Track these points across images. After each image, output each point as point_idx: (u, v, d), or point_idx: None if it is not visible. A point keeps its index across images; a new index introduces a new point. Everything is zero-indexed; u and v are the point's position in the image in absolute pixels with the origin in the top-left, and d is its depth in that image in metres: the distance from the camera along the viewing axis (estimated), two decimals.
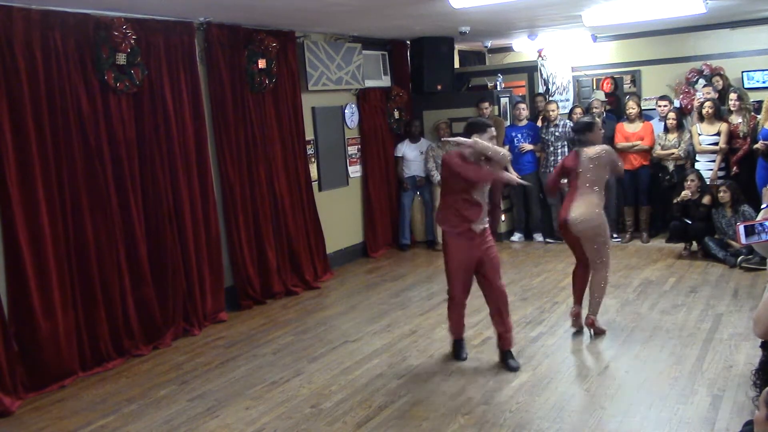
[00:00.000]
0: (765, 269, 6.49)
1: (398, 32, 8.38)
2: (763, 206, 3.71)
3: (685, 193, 7.34)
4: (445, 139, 5.58)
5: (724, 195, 7.17)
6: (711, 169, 7.70)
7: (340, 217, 8.20)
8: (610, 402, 4.15)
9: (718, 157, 7.70)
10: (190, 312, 6.02)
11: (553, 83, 10.01)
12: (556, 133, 8.42)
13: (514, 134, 8.69)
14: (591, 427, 3.84)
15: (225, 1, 5.40)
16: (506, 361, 4.79)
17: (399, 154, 8.90)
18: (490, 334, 5.47)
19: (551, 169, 8.43)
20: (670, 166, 8.04)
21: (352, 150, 8.43)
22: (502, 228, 8.94)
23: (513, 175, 8.04)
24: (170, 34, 5.85)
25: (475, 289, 6.81)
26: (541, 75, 9.68)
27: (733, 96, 7.83)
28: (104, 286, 5.34)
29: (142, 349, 5.54)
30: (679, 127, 8.15)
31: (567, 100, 10.20)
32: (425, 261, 8.30)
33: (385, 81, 8.88)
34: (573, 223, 5.10)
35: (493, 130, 4.77)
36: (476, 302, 6.34)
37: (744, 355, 4.66)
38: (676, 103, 9.14)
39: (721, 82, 8.88)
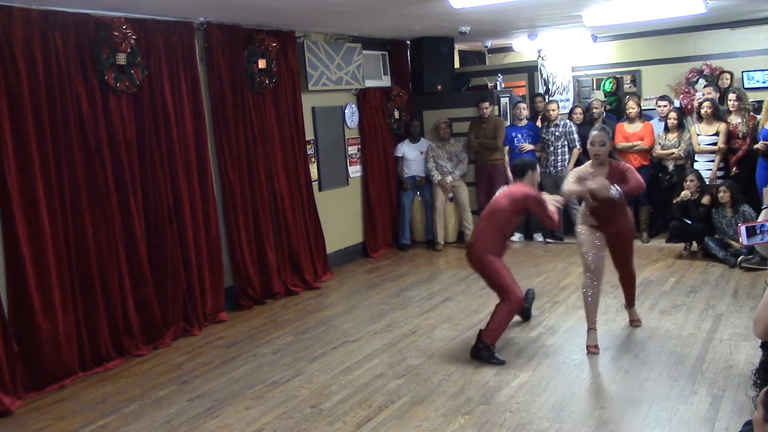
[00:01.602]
0: (765, 269, 6.50)
1: (398, 32, 8.38)
2: (764, 206, 3.72)
3: (685, 193, 7.34)
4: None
5: (724, 195, 7.17)
6: (710, 169, 7.70)
7: (340, 217, 8.20)
8: (610, 402, 4.15)
9: (717, 157, 7.70)
10: (190, 312, 6.02)
11: (553, 83, 10.01)
12: (556, 133, 8.42)
13: (514, 134, 8.69)
14: (591, 427, 3.84)
15: (225, 1, 5.40)
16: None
17: (399, 154, 8.90)
18: None
19: (551, 169, 8.44)
20: (670, 166, 8.05)
21: (352, 150, 8.43)
22: None
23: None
24: (170, 34, 5.85)
25: (476, 288, 6.83)
26: (541, 75, 9.68)
27: (732, 96, 7.83)
28: (104, 286, 5.34)
29: (142, 349, 5.54)
30: (680, 126, 8.15)
31: (567, 100, 10.21)
32: (425, 261, 8.30)
33: (385, 81, 8.88)
34: None
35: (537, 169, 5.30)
36: (475, 303, 6.37)
37: (744, 355, 4.66)
38: (676, 103, 9.14)
39: (729, 79, 8.88)
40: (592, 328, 5.00)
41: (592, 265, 4.97)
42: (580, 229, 5.11)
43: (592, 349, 4.94)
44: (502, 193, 5.16)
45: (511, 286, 4.93)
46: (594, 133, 4.95)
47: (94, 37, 5.22)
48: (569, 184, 4.97)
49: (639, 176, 4.95)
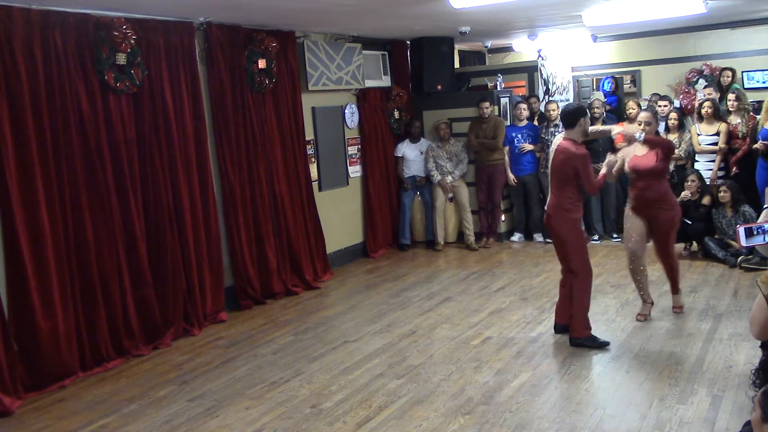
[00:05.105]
0: (765, 269, 6.50)
1: (398, 32, 8.38)
2: (765, 206, 3.72)
3: (685, 194, 7.33)
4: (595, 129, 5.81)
5: (724, 195, 7.17)
6: (710, 169, 7.70)
7: (340, 217, 8.20)
8: (610, 402, 4.15)
9: (718, 157, 7.70)
10: (190, 312, 6.02)
11: (553, 83, 10.01)
12: (556, 133, 8.40)
13: (514, 134, 8.69)
14: (591, 427, 3.84)
15: (225, 1, 5.40)
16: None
17: (399, 154, 8.90)
18: (489, 334, 5.48)
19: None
20: (671, 167, 8.03)
21: (352, 150, 8.43)
22: (502, 228, 8.95)
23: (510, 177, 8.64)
24: (170, 34, 5.85)
25: (476, 288, 6.82)
26: (541, 75, 9.68)
27: (731, 96, 7.83)
28: (104, 286, 5.34)
29: (142, 349, 5.54)
30: (681, 127, 8.15)
31: (567, 100, 10.20)
32: (425, 261, 8.30)
33: (385, 81, 8.87)
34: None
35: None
36: (475, 303, 6.37)
37: (744, 355, 4.66)
38: (676, 103, 9.14)
39: (730, 77, 8.88)
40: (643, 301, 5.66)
41: (629, 249, 5.57)
42: (626, 212, 5.66)
43: (639, 317, 5.60)
44: (555, 150, 5.15)
45: (584, 260, 5.10)
46: (641, 114, 5.62)
47: (94, 37, 5.22)
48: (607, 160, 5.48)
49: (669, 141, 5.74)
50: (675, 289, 5.74)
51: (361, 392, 4.51)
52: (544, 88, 9.72)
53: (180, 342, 5.79)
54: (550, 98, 9.53)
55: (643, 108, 8.65)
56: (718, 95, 8.57)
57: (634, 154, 5.46)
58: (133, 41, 5.39)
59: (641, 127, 5.42)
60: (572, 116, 5.09)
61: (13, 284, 4.80)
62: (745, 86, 9.22)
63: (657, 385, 4.32)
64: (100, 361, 5.25)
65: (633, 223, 5.55)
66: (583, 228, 5.27)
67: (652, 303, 5.68)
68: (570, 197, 5.03)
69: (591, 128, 5.59)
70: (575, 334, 5.11)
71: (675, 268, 5.67)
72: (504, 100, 9.03)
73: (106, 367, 5.24)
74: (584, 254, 5.13)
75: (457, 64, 10.12)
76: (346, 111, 8.28)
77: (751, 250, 6.63)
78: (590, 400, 4.22)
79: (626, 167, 5.47)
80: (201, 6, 5.58)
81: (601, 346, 5.03)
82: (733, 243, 7.05)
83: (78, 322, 5.12)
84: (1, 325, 4.63)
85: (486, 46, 10.86)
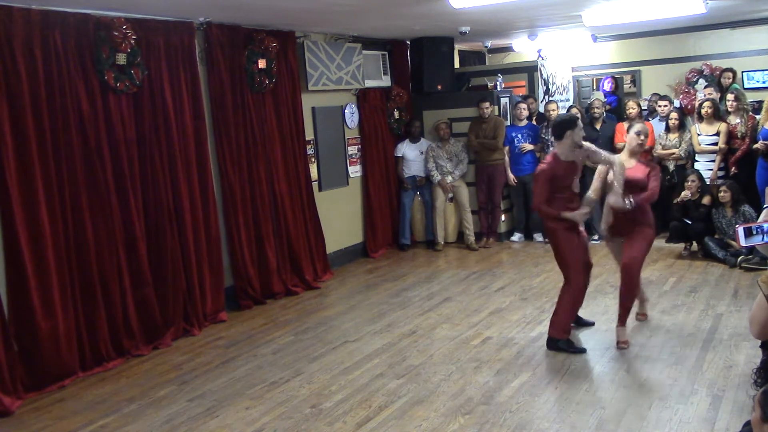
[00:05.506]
0: (765, 269, 6.50)
1: (398, 32, 8.38)
2: (765, 206, 3.72)
3: (685, 194, 7.34)
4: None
5: (724, 195, 7.17)
6: (710, 169, 7.70)
7: (340, 217, 8.20)
8: (610, 402, 4.15)
9: (718, 157, 7.71)
10: (190, 312, 6.02)
11: (553, 83, 10.01)
12: None
13: (514, 134, 8.69)
14: (591, 427, 3.84)
15: (225, 1, 5.40)
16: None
17: (399, 154, 8.90)
18: (489, 334, 5.48)
19: None
20: (671, 166, 8.05)
21: (352, 150, 8.43)
22: (502, 228, 8.95)
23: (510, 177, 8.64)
24: (170, 34, 5.85)
25: (475, 288, 6.83)
26: (541, 75, 9.68)
27: (730, 97, 7.83)
28: (104, 286, 5.33)
29: (142, 349, 5.54)
30: (681, 127, 8.15)
31: (567, 100, 10.21)
32: (425, 261, 8.30)
33: (385, 81, 8.87)
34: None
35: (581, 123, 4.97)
36: (475, 303, 6.36)
37: (744, 355, 4.66)
38: (676, 103, 9.15)
39: (731, 78, 8.89)
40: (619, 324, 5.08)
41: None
42: (603, 230, 5.37)
43: (639, 317, 5.46)
44: None
45: (571, 269, 4.96)
46: (640, 125, 5.17)
47: (94, 37, 5.22)
48: (594, 188, 5.15)
49: (657, 184, 5.05)
50: (623, 320, 5.03)
51: (361, 392, 4.51)
52: (544, 88, 9.71)
53: (180, 342, 5.79)
54: (550, 98, 9.53)
55: (643, 108, 8.70)
56: (718, 95, 8.57)
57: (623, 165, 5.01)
58: (133, 41, 5.39)
59: (639, 138, 5.06)
60: (559, 128, 4.87)
61: (13, 284, 4.80)
62: (745, 86, 9.22)
63: (657, 385, 4.32)
64: (100, 361, 5.25)
65: (613, 249, 5.35)
66: (582, 229, 5.15)
67: (648, 300, 5.66)
68: (556, 208, 4.87)
69: (594, 151, 4.99)
70: (553, 333, 5.02)
71: (635, 290, 5.06)
72: (504, 100, 9.03)
73: (106, 367, 5.24)
74: (574, 264, 4.94)
75: (457, 64, 10.12)
76: (346, 111, 8.28)
77: (751, 250, 6.64)
78: (590, 400, 4.21)
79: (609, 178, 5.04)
80: (201, 6, 5.58)
81: (577, 352, 4.93)
82: (733, 243, 7.05)
83: (78, 322, 5.12)
84: (1, 325, 4.63)
85: (486, 46, 10.86)
